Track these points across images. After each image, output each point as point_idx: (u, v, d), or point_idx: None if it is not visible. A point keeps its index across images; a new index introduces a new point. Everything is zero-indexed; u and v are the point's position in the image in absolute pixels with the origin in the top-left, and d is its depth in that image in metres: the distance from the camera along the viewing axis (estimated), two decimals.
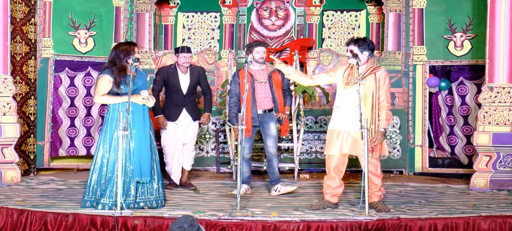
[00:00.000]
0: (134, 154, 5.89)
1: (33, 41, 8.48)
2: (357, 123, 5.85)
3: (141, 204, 5.96)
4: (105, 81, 6.01)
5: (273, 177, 7.12)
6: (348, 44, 6.16)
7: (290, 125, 8.43)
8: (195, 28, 9.93)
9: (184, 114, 7.19)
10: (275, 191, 7.02)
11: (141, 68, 6.33)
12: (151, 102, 6.02)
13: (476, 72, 8.71)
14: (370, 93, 6.01)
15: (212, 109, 9.17)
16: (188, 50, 7.25)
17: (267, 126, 7.05)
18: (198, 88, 7.54)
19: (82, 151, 8.97)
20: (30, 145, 8.43)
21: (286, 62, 9.21)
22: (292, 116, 8.45)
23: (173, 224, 4.67)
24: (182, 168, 7.33)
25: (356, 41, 6.12)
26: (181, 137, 7.21)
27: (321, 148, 9.05)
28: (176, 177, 7.29)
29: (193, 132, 7.32)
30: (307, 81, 6.40)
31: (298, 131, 8.29)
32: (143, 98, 5.95)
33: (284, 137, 8.80)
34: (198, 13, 9.92)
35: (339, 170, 6.19)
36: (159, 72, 7.41)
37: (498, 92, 7.63)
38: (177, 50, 7.28)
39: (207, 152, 9.17)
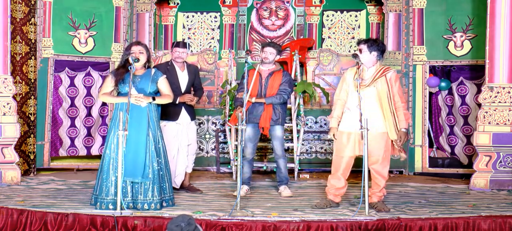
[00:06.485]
0: (126, 154, 5.83)
1: (33, 41, 8.49)
2: (371, 125, 5.80)
3: (138, 205, 5.94)
4: (107, 81, 6.11)
5: (279, 178, 7.15)
6: (358, 43, 6.13)
7: (290, 124, 8.44)
8: (195, 28, 9.93)
9: (184, 114, 7.07)
10: (278, 192, 7.05)
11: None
12: (144, 103, 5.99)
13: (476, 72, 8.71)
14: (385, 95, 5.96)
15: (212, 109, 9.21)
16: (183, 45, 7.08)
17: (272, 127, 7.03)
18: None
19: (83, 151, 8.97)
20: (30, 145, 8.43)
21: (286, 63, 9.23)
22: (292, 115, 8.46)
23: (171, 223, 4.68)
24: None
25: (366, 40, 6.09)
26: (184, 138, 7.10)
27: (321, 148, 9.05)
28: (177, 180, 7.11)
29: (194, 131, 7.28)
30: (342, 108, 6.22)
31: (298, 131, 8.29)
32: (135, 98, 5.93)
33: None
34: (198, 13, 9.93)
35: (347, 171, 6.19)
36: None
37: (498, 92, 7.63)
38: (172, 45, 7.23)
39: (207, 152, 9.17)
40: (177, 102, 6.91)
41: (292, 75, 8.74)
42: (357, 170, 6.39)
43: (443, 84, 8.90)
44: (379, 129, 5.97)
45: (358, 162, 6.16)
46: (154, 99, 6.05)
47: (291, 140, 8.55)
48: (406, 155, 6.25)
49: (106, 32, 9.02)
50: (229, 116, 8.37)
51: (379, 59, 6.09)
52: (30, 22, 8.42)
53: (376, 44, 6.05)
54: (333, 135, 6.17)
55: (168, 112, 7.03)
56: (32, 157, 8.48)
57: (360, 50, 6.06)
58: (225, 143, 8.85)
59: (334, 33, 9.79)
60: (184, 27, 9.94)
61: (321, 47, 9.73)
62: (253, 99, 6.91)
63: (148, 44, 9.32)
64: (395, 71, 6.13)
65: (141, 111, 6.00)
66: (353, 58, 6.07)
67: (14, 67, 8.13)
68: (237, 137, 7.88)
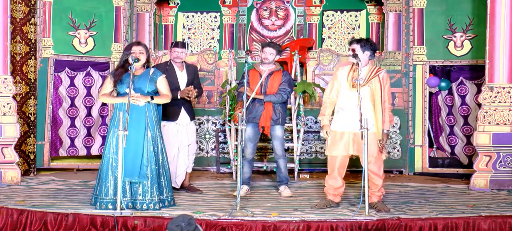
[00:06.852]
0: (125, 153, 5.82)
1: (33, 41, 8.48)
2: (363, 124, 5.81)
3: (138, 205, 5.93)
4: (107, 81, 6.13)
5: (279, 178, 7.16)
6: (350, 43, 6.17)
7: (290, 124, 8.44)
8: (195, 28, 9.93)
9: (183, 114, 7.06)
10: (278, 192, 7.05)
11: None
12: (141, 102, 5.99)
13: (476, 72, 8.72)
14: (378, 95, 5.99)
15: (212, 109, 9.21)
16: (182, 45, 7.10)
17: (272, 127, 7.03)
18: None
19: (82, 151, 8.97)
20: (30, 145, 8.43)
21: (286, 63, 9.23)
22: (292, 115, 8.46)
23: (171, 223, 4.69)
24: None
25: (358, 40, 6.12)
26: (185, 138, 7.08)
27: (321, 148, 9.05)
28: (177, 181, 7.12)
29: (194, 131, 7.27)
30: (332, 107, 6.24)
31: (298, 131, 8.29)
32: (132, 98, 5.92)
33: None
34: (198, 13, 9.93)
35: (343, 170, 6.20)
36: None
37: (498, 92, 7.63)
38: (171, 45, 7.22)
39: (207, 152, 9.17)
40: (178, 97, 6.90)
41: (292, 75, 8.73)
42: (356, 170, 6.42)
43: (443, 84, 8.90)
44: (371, 129, 5.96)
45: (356, 163, 6.16)
46: (152, 98, 6.05)
47: (291, 140, 8.54)
48: (386, 155, 6.22)
49: (106, 32, 9.02)
50: (230, 115, 8.36)
51: (371, 59, 6.13)
52: (30, 22, 8.42)
53: (369, 44, 6.10)
54: (326, 132, 6.17)
55: (167, 112, 7.02)
56: (32, 157, 8.48)
57: (353, 50, 6.08)
58: (225, 143, 8.85)
59: (334, 33, 9.78)
60: (184, 27, 9.94)
61: (321, 47, 9.72)
62: (253, 94, 6.88)
63: (148, 44, 9.33)
64: (385, 72, 6.20)
65: (140, 111, 5.99)
66: (352, 59, 6.07)
67: (14, 67, 8.13)
68: (237, 137, 7.88)
